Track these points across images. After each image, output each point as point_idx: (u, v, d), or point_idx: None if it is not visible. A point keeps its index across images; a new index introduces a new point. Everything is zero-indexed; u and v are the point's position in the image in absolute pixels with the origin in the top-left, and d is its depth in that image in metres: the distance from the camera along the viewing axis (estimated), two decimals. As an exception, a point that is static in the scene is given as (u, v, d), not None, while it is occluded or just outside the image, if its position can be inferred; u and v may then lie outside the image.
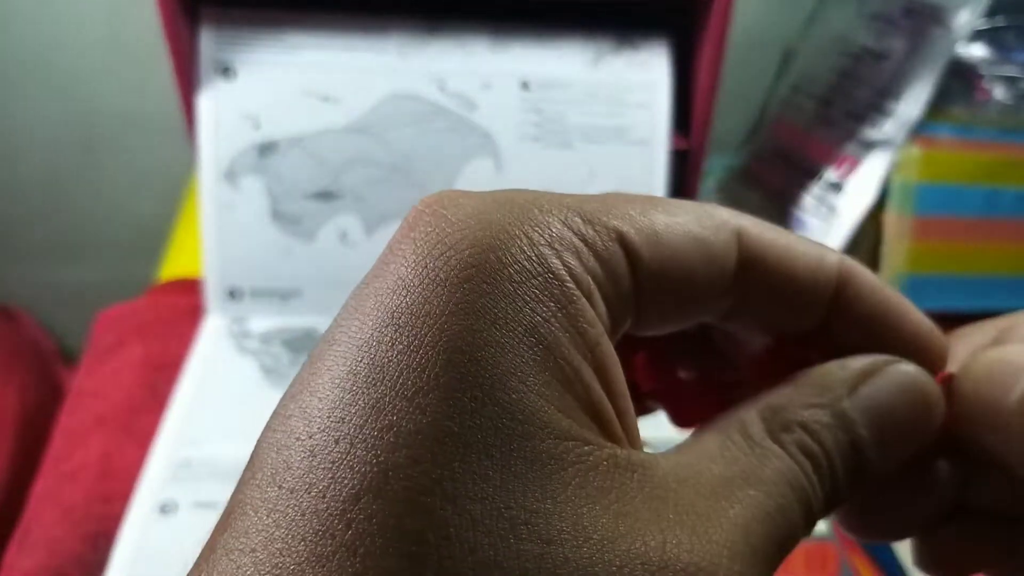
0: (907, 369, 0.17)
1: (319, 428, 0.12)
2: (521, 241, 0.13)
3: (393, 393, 0.12)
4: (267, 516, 0.12)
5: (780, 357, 0.19)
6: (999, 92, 0.60)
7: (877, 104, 0.61)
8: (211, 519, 0.41)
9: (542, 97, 0.53)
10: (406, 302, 0.12)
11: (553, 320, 0.13)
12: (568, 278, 0.13)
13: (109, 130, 0.81)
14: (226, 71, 0.51)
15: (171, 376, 0.50)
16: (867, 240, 0.63)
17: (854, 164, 0.61)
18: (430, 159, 0.53)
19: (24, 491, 0.45)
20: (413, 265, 0.13)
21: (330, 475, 0.11)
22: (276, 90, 0.52)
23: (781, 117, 0.70)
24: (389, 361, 0.12)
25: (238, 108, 0.52)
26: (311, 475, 0.12)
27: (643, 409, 0.21)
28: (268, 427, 0.13)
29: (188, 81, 0.51)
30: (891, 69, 0.61)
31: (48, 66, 0.77)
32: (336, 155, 0.52)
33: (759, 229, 0.17)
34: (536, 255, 0.13)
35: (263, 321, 0.54)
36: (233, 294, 0.54)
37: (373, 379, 0.12)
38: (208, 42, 0.51)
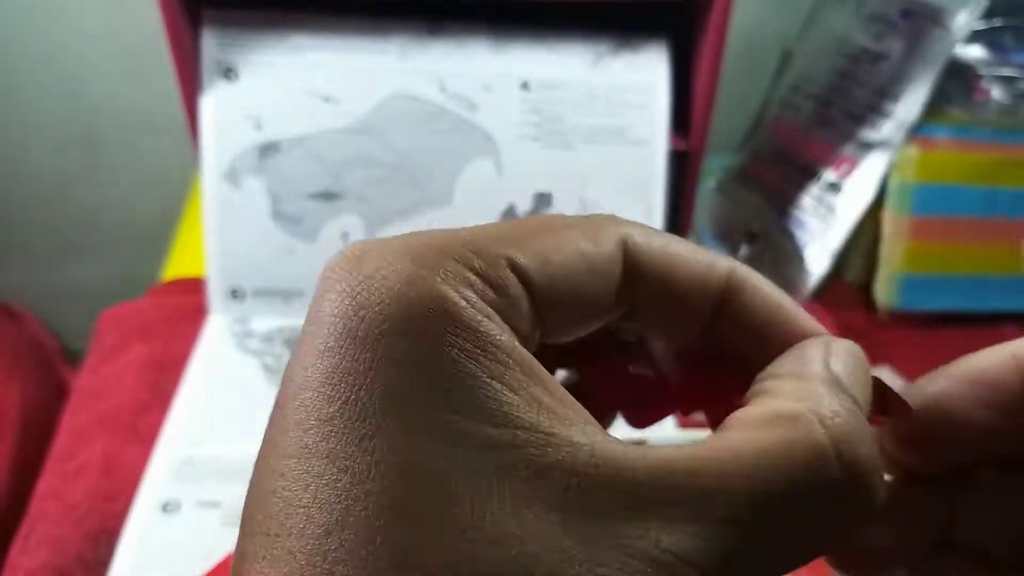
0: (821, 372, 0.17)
1: (291, 479, 0.14)
2: (423, 286, 0.14)
3: (343, 443, 0.14)
4: (261, 560, 0.14)
5: (690, 360, 0.20)
6: (997, 93, 0.61)
7: (875, 105, 0.61)
8: (213, 518, 0.41)
9: (542, 98, 0.53)
10: (335, 363, 0.14)
11: (466, 346, 0.14)
12: (468, 308, 0.15)
13: (112, 131, 0.82)
14: (228, 72, 0.52)
15: (174, 375, 0.50)
16: (865, 240, 0.63)
17: (852, 164, 0.61)
18: (431, 159, 0.53)
19: (27, 490, 0.45)
20: (332, 328, 0.14)
21: (304, 517, 0.14)
22: (278, 91, 0.52)
23: (780, 118, 0.70)
24: (333, 416, 0.14)
25: (240, 109, 0.52)
26: (289, 520, 0.14)
27: (603, 422, 0.22)
28: (252, 483, 0.15)
29: (191, 82, 0.51)
30: (889, 70, 0.61)
31: (52, 68, 0.77)
32: (337, 155, 0.53)
33: (647, 238, 0.18)
34: (437, 296, 0.14)
35: (265, 321, 0.54)
36: (235, 294, 0.54)
37: (324, 433, 0.14)
38: (210, 43, 0.51)
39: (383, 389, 0.14)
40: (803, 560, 0.15)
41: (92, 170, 0.84)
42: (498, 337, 0.15)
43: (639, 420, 0.22)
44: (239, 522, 0.45)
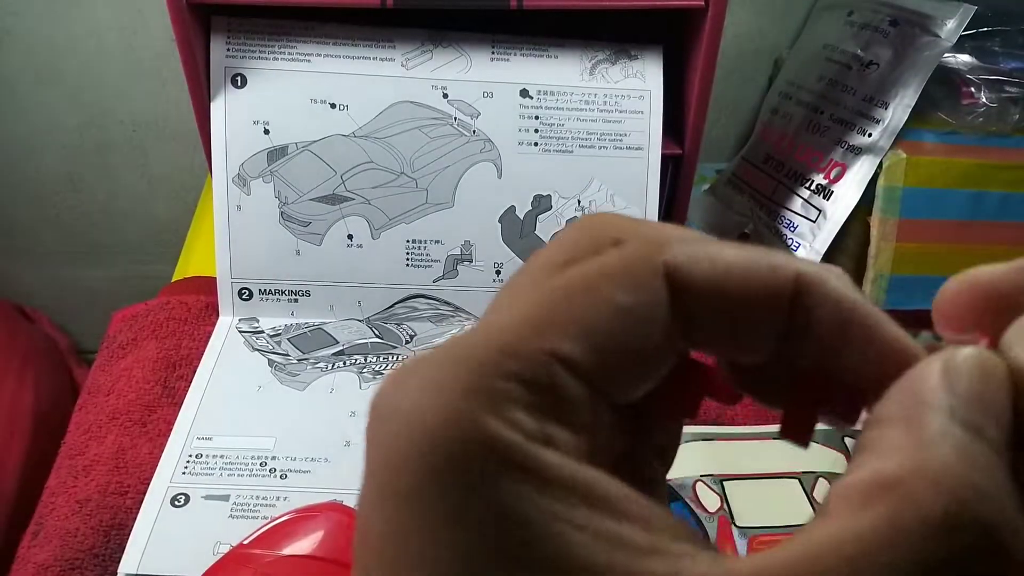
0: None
1: None
2: (464, 425, 0.13)
3: None
4: None
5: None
6: (984, 98, 0.61)
7: (865, 111, 0.62)
8: (221, 510, 0.43)
9: (541, 105, 0.54)
10: (392, 521, 0.13)
11: (520, 488, 0.13)
12: (516, 441, 0.13)
13: (124, 136, 0.82)
14: (237, 79, 0.53)
15: (183, 373, 0.51)
16: (854, 242, 0.64)
17: (842, 169, 0.62)
18: (434, 164, 0.54)
19: (40, 485, 0.46)
20: (382, 486, 0.13)
21: None
22: (285, 97, 0.53)
23: (771, 123, 0.71)
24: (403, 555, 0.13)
25: (249, 114, 0.53)
26: None
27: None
28: None
29: (200, 88, 0.52)
30: (878, 77, 0.62)
31: (65, 74, 0.78)
32: (343, 160, 0.53)
33: (690, 257, 0.15)
34: (480, 434, 0.13)
35: (273, 320, 0.56)
36: (244, 294, 0.56)
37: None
38: (219, 51, 0.52)
39: (434, 552, 0.12)
40: None
41: (105, 174, 0.85)
42: (557, 469, 0.13)
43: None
44: (246, 515, 0.46)
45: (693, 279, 0.15)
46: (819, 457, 0.48)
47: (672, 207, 0.59)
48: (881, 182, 0.61)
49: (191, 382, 0.50)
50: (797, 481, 0.47)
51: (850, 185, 0.61)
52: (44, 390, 0.74)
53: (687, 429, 0.48)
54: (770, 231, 0.66)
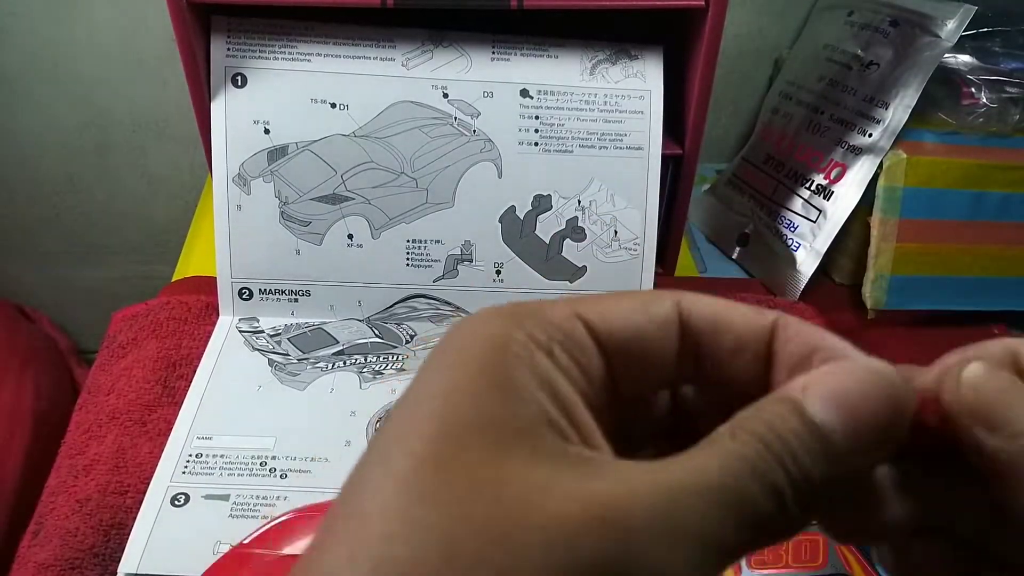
0: (865, 360, 0.18)
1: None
2: (504, 335, 0.17)
3: (459, 392, 0.17)
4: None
5: None
6: (984, 98, 0.61)
7: (865, 111, 0.62)
8: (221, 510, 0.43)
9: (541, 105, 0.54)
10: (449, 379, 0.17)
11: (537, 369, 0.17)
12: (527, 344, 0.17)
13: (124, 135, 0.82)
14: (237, 78, 0.53)
15: (183, 373, 0.51)
16: (854, 242, 0.64)
17: (842, 169, 0.62)
18: (434, 164, 0.54)
19: (40, 484, 0.46)
20: (450, 362, 0.17)
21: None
22: (286, 97, 0.53)
23: (771, 124, 0.71)
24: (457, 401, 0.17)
25: (249, 114, 0.53)
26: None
27: None
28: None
29: (200, 88, 0.52)
30: (879, 78, 0.62)
31: (65, 74, 0.78)
32: (343, 160, 0.53)
33: (698, 299, 0.20)
34: (509, 339, 0.17)
35: (273, 320, 0.56)
36: (244, 293, 0.56)
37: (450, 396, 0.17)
38: (219, 51, 0.52)
39: (483, 384, 0.17)
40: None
41: (105, 173, 0.85)
42: (540, 362, 0.17)
43: None
44: (246, 514, 0.46)
45: (698, 313, 0.19)
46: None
47: (672, 207, 0.59)
48: (881, 182, 0.61)
49: (191, 382, 0.50)
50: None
51: (850, 185, 0.62)
52: (44, 390, 0.74)
53: None
54: (770, 231, 0.66)
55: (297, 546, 0.39)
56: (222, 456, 0.46)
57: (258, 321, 0.55)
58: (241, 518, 0.43)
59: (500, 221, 0.55)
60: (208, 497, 0.43)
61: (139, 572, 0.39)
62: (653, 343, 0.19)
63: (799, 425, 0.17)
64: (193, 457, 0.46)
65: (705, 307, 0.19)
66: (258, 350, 0.53)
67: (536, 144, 0.54)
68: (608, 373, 0.19)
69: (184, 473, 0.45)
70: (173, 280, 0.62)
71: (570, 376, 0.18)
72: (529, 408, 0.16)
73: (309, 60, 0.53)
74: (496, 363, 0.17)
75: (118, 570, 0.40)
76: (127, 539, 0.41)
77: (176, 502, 0.43)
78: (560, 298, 0.19)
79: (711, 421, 0.18)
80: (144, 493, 0.43)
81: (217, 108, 0.53)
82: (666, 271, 0.62)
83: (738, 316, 0.19)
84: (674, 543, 0.15)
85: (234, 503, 0.43)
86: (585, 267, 0.56)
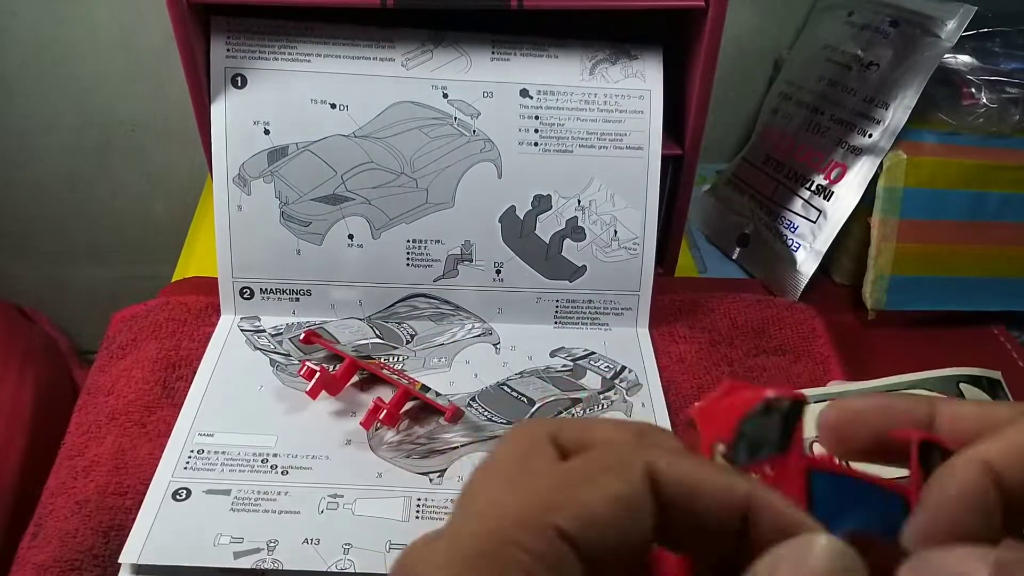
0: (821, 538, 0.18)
1: None
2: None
3: None
4: None
5: None
6: (984, 99, 0.61)
7: (865, 111, 0.62)
8: (222, 504, 0.43)
9: (541, 104, 0.55)
10: None
11: None
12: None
13: (123, 136, 0.82)
14: (237, 79, 0.53)
15: (183, 374, 0.51)
16: (854, 242, 0.64)
17: (842, 169, 0.62)
18: (434, 164, 0.54)
19: (39, 486, 0.45)
20: None
21: None
22: (286, 98, 0.53)
23: (771, 124, 0.71)
24: None
25: (249, 115, 0.53)
26: None
27: None
28: None
29: (200, 89, 0.52)
30: (879, 78, 0.62)
31: (64, 74, 0.78)
32: (344, 160, 0.53)
33: (671, 466, 0.19)
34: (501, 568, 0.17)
35: (274, 319, 0.56)
36: (245, 293, 0.56)
37: None
38: (219, 51, 0.52)
39: None
40: None
41: (105, 174, 0.85)
42: None
43: None
44: (247, 508, 0.47)
45: (672, 487, 0.19)
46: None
47: (672, 207, 0.59)
48: (881, 183, 0.61)
49: (191, 382, 0.50)
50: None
51: (850, 186, 0.62)
52: (44, 390, 0.74)
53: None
54: (770, 232, 0.66)
55: None
56: (223, 452, 0.46)
57: (259, 320, 0.56)
58: (242, 512, 0.43)
59: (500, 221, 0.55)
60: (209, 492, 0.44)
61: (140, 563, 0.40)
62: (633, 530, 0.18)
63: None
64: (195, 453, 0.46)
65: (680, 476, 0.19)
66: (259, 349, 0.53)
67: (536, 144, 0.55)
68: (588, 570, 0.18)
69: (186, 468, 0.45)
70: (173, 280, 0.62)
71: None
72: None
73: (309, 60, 0.53)
74: None
75: (119, 559, 0.40)
76: (127, 540, 0.41)
77: (178, 496, 0.43)
78: (521, 492, 0.19)
79: None
80: (144, 494, 0.43)
81: (217, 109, 0.53)
82: (666, 271, 0.62)
83: (709, 487, 0.19)
84: None
85: (235, 498, 0.43)
86: (585, 267, 0.56)
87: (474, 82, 0.54)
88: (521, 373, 0.53)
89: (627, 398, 0.52)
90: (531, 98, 0.54)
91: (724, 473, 0.19)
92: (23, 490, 0.65)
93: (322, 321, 0.56)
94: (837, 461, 0.22)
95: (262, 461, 0.46)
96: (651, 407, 0.51)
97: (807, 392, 0.47)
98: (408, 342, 0.55)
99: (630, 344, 0.56)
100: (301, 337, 0.53)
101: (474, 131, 0.54)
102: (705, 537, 0.19)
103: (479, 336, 0.56)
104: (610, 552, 0.18)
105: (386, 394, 0.49)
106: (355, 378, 0.51)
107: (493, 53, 0.54)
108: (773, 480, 0.21)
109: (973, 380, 0.44)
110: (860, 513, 0.21)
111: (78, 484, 0.44)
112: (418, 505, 0.44)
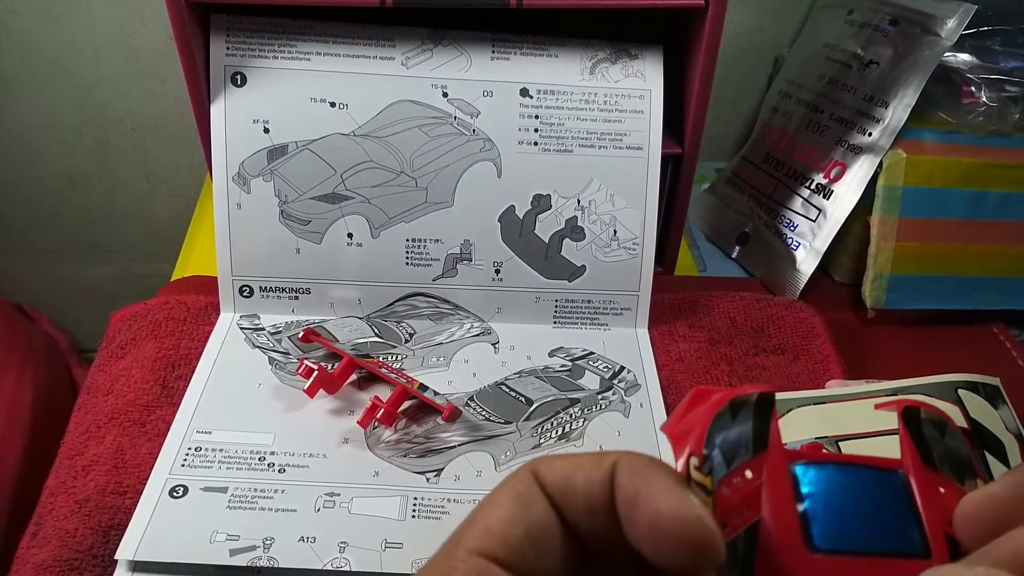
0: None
1: None
2: None
3: None
4: None
5: None
6: (984, 97, 0.61)
7: (865, 110, 0.62)
8: (219, 501, 0.43)
9: (541, 104, 0.55)
10: None
11: None
12: None
13: (123, 134, 0.83)
14: (237, 77, 0.53)
15: (182, 373, 0.51)
16: (854, 241, 0.64)
17: (842, 168, 0.62)
18: (433, 163, 0.54)
19: (38, 485, 0.45)
20: None
21: None
22: (285, 96, 0.53)
23: (771, 122, 0.71)
24: None
25: (248, 113, 0.53)
26: None
27: None
28: None
29: (200, 87, 0.52)
30: (879, 76, 0.62)
31: (64, 73, 0.78)
32: (343, 159, 0.53)
33: (549, 464, 0.21)
34: None
35: (274, 317, 0.56)
36: (245, 291, 0.56)
37: None
38: (219, 50, 0.52)
39: None
40: None
41: (104, 172, 0.85)
42: None
43: None
44: (244, 506, 0.48)
45: (552, 479, 0.20)
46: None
47: (672, 206, 0.59)
48: (881, 181, 0.61)
49: (190, 381, 0.50)
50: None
51: (850, 184, 0.62)
52: (43, 389, 0.74)
53: (796, 395, 0.47)
54: (770, 230, 0.66)
55: None
56: (221, 450, 0.46)
57: (259, 318, 0.56)
58: (239, 509, 0.43)
59: (499, 220, 0.55)
60: (206, 489, 0.44)
61: (136, 559, 0.40)
62: (540, 528, 0.20)
63: None
64: (192, 451, 0.46)
65: (557, 468, 0.21)
66: (258, 347, 0.53)
67: (536, 143, 0.55)
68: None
69: (183, 466, 0.45)
70: (172, 278, 0.62)
71: None
72: None
73: (308, 59, 0.53)
74: None
75: (115, 555, 0.40)
76: (126, 529, 0.41)
77: (175, 493, 0.43)
78: (460, 534, 0.21)
79: None
80: (143, 494, 0.43)
81: (217, 107, 0.53)
82: (665, 270, 0.62)
83: (581, 475, 0.20)
84: None
85: (232, 495, 0.43)
86: (584, 266, 0.56)
87: (474, 81, 0.54)
88: (520, 373, 0.53)
89: (625, 398, 0.52)
90: (531, 97, 0.54)
91: (596, 458, 0.20)
92: (23, 489, 0.65)
93: (321, 319, 0.56)
94: (824, 449, 0.22)
95: (259, 459, 0.46)
96: (649, 408, 0.51)
97: (807, 393, 0.48)
98: (407, 341, 0.55)
99: (629, 344, 0.56)
100: (300, 335, 0.53)
101: (474, 130, 0.54)
102: (589, 517, 0.20)
103: (478, 335, 0.56)
104: (532, 559, 0.20)
105: (384, 393, 0.49)
106: (353, 377, 0.51)
107: (493, 52, 0.54)
108: (755, 484, 0.20)
109: (971, 387, 0.44)
110: (854, 499, 0.20)
111: (78, 483, 0.44)
112: (414, 504, 0.44)
